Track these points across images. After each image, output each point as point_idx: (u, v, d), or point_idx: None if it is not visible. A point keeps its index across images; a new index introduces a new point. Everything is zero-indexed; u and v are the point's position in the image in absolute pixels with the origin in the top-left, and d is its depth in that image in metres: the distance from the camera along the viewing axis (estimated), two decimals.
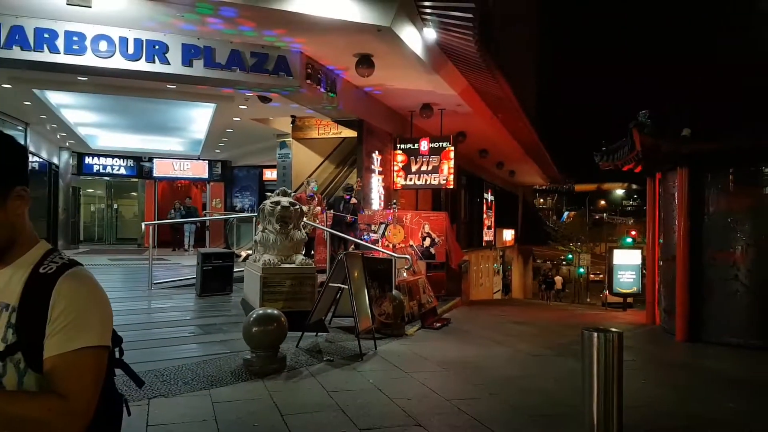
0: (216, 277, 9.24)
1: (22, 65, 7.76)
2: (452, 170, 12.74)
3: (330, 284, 6.65)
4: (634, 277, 15.60)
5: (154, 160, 19.72)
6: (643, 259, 14.57)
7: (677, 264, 8.44)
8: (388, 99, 12.27)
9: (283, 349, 5.59)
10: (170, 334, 6.74)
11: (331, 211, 10.90)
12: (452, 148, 12.74)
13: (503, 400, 5.04)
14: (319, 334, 6.85)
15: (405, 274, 9.14)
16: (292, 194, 8.37)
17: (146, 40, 7.85)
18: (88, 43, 7.60)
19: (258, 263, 7.25)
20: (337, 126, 12.98)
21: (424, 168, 12.87)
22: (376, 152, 12.62)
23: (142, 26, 7.74)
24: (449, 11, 8.08)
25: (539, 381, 5.82)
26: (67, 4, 6.85)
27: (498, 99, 12.36)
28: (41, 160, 15.19)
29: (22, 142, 13.15)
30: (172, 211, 17.64)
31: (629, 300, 15.68)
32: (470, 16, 7.90)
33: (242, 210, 20.49)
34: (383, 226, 10.57)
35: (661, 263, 9.86)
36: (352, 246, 9.98)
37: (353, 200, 11.01)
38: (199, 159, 19.98)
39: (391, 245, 10.42)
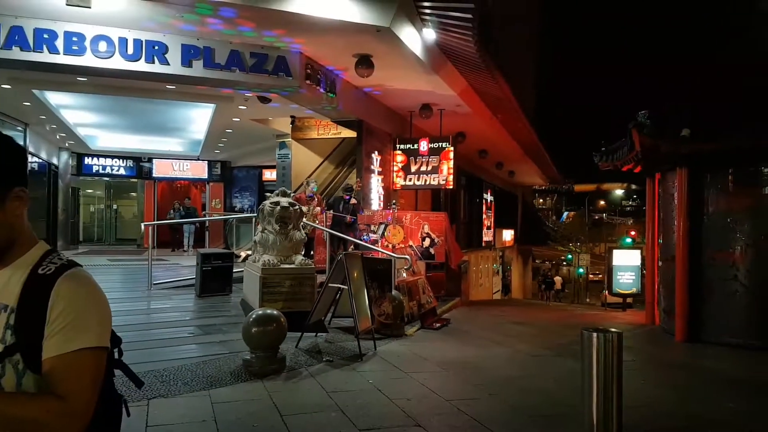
0: (215, 278, 9.24)
1: (21, 66, 7.76)
2: (452, 170, 12.74)
3: (329, 285, 6.65)
4: (634, 278, 15.60)
5: (154, 161, 19.73)
6: (643, 259, 14.58)
7: (677, 264, 8.44)
8: (388, 99, 12.27)
9: (283, 350, 5.59)
10: (170, 334, 6.74)
11: (331, 212, 10.90)
12: (452, 148, 12.74)
13: (503, 400, 5.04)
14: (318, 334, 6.85)
15: (404, 275, 9.14)
16: (292, 195, 8.38)
17: (146, 40, 7.85)
18: (87, 43, 7.60)
19: (257, 264, 7.25)
20: (337, 126, 12.99)
21: (423, 168, 12.87)
22: (376, 152, 12.62)
23: (142, 27, 7.74)
24: (448, 12, 8.08)
25: (539, 381, 5.82)
26: (67, 5, 6.84)
27: (497, 99, 12.37)
28: (41, 160, 15.19)
29: (22, 143, 13.12)
30: (171, 211, 17.65)
31: (629, 300, 15.69)
32: (469, 16, 7.90)
33: (242, 210, 20.50)
34: (383, 226, 10.57)
35: (660, 263, 9.86)
36: (352, 246, 9.98)
37: (353, 200, 11.02)
38: (198, 159, 19.99)
39: (390, 245, 10.42)
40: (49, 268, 1.30)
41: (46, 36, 7.40)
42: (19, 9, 7.15)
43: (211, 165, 20.57)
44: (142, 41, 7.84)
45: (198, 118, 13.86)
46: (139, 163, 19.72)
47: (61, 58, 7.51)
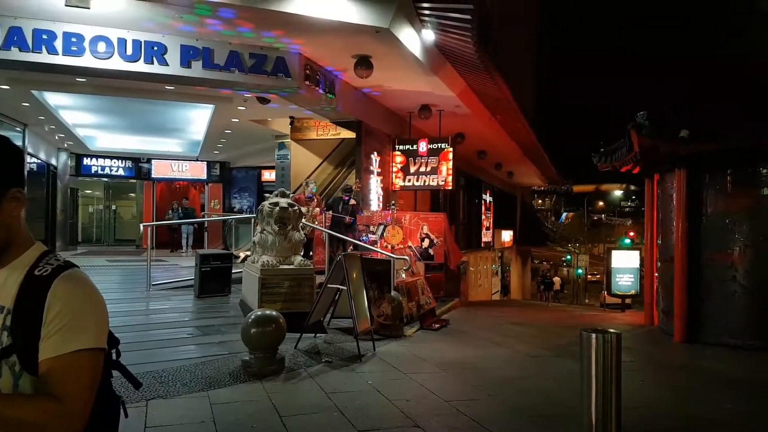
0: (214, 279, 9.23)
1: (20, 66, 7.76)
2: (451, 171, 12.75)
3: (329, 285, 6.65)
4: (633, 280, 15.62)
5: (153, 161, 19.72)
6: (642, 260, 14.59)
7: (675, 265, 8.44)
8: (387, 100, 12.28)
9: (282, 351, 5.59)
10: (169, 335, 6.73)
11: (330, 212, 10.90)
12: (451, 149, 12.75)
13: (502, 401, 5.04)
14: (317, 335, 6.84)
15: (404, 275, 9.14)
16: (291, 195, 8.37)
17: (145, 41, 7.85)
18: (86, 44, 7.60)
19: (256, 264, 7.24)
20: (336, 127, 12.99)
21: (422, 169, 12.87)
22: (375, 153, 12.63)
23: (141, 27, 7.74)
24: (447, 12, 8.09)
25: (538, 382, 5.82)
26: (66, 6, 6.84)
27: (496, 100, 12.38)
28: (39, 161, 15.18)
29: (21, 144, 13.16)
30: (170, 211, 17.64)
31: (627, 301, 15.70)
32: (468, 17, 7.91)
33: (241, 211, 20.49)
34: (382, 227, 10.57)
35: (659, 264, 9.87)
36: (351, 247, 9.98)
37: (352, 201, 11.01)
38: (197, 160, 19.98)
39: (389, 246, 10.43)
40: (45, 269, 1.29)
41: (45, 36, 7.40)
42: (18, 9, 7.15)
43: (210, 166, 20.57)
44: (141, 42, 7.84)
45: (197, 118, 13.86)
46: (138, 164, 19.71)
47: (60, 59, 7.51)
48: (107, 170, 19.45)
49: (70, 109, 12.94)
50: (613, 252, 16.67)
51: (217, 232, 18.36)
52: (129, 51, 7.79)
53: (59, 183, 16.85)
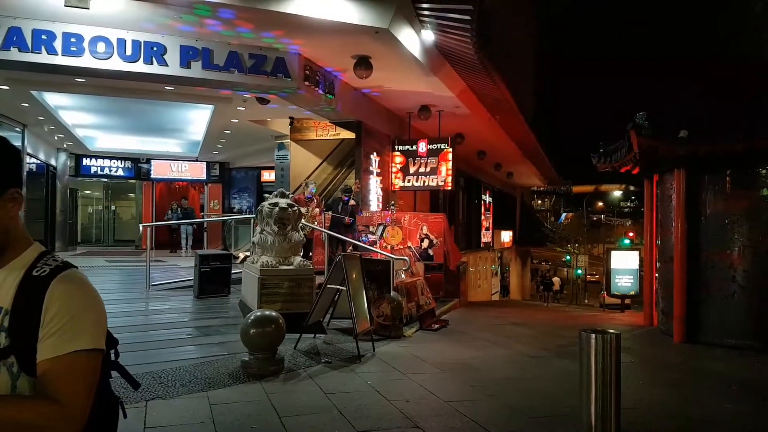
0: (214, 279, 9.23)
1: (19, 67, 7.75)
2: (450, 172, 12.75)
3: (328, 286, 6.65)
4: (632, 280, 15.62)
5: (152, 162, 19.72)
6: (641, 260, 14.60)
7: (675, 265, 8.45)
8: (386, 101, 12.28)
9: (281, 351, 5.58)
10: (168, 336, 6.72)
11: (330, 213, 10.90)
12: (450, 149, 12.75)
13: (501, 401, 5.04)
14: (317, 335, 6.84)
15: (403, 276, 9.14)
16: (291, 196, 8.37)
17: (144, 41, 7.85)
18: (86, 44, 7.59)
19: (256, 265, 7.24)
20: (336, 127, 12.99)
21: (422, 169, 12.88)
22: (375, 154, 12.63)
23: (140, 28, 7.73)
24: (447, 13, 8.09)
25: (537, 382, 5.82)
26: (65, 6, 6.83)
27: (496, 100, 12.38)
28: (39, 161, 15.18)
29: (20, 144, 13.15)
30: (169, 212, 17.64)
31: (627, 301, 15.71)
32: (468, 18, 7.91)
33: (240, 211, 20.49)
34: (381, 227, 10.57)
35: (658, 265, 9.87)
36: (351, 247, 9.98)
37: (351, 202, 11.01)
38: (197, 160, 19.98)
39: (389, 247, 10.42)
40: (43, 269, 1.29)
41: (44, 37, 7.39)
42: (17, 10, 7.14)
43: (209, 166, 20.57)
44: (140, 42, 7.83)
45: (196, 119, 13.86)
46: (138, 164, 19.71)
47: (60, 59, 7.50)
48: (106, 171, 19.44)
49: (70, 110, 12.94)
50: (613, 252, 16.68)
51: (217, 232, 18.37)
52: (128, 51, 7.78)
53: (59, 183, 16.85)
